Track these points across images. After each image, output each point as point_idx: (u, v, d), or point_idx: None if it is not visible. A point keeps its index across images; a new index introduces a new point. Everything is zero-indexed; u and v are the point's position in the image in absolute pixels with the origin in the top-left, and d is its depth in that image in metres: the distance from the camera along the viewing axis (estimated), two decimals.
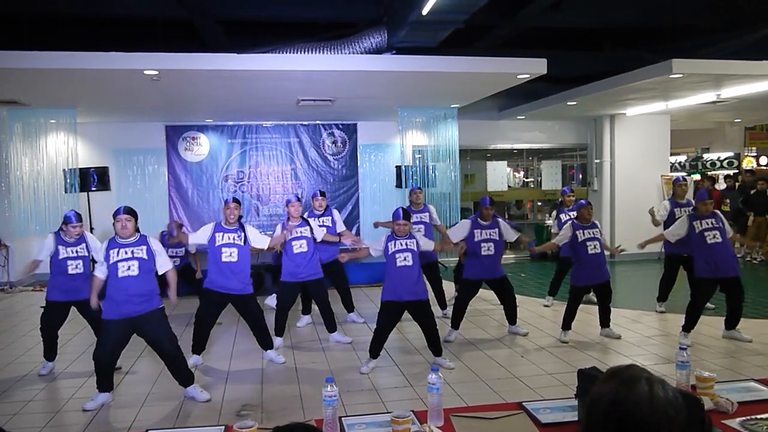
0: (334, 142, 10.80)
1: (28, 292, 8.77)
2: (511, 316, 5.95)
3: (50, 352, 5.07)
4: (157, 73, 6.12)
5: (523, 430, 2.14)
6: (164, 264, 4.40)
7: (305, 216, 6.03)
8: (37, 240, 9.41)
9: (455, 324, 5.84)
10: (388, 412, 2.19)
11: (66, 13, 7.91)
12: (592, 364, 4.23)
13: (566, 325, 5.76)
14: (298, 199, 5.86)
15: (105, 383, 4.33)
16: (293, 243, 5.63)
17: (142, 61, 5.88)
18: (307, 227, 5.74)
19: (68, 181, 8.50)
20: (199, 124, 10.36)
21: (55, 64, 5.82)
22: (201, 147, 10.44)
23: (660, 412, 1.16)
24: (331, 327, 5.86)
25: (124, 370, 5.11)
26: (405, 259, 4.82)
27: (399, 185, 9.68)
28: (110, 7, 7.80)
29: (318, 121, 10.62)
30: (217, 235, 5.04)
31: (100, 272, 4.30)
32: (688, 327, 5.55)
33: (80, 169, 8.59)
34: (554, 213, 7.63)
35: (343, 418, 2.24)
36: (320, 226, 6.12)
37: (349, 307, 6.65)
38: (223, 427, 2.24)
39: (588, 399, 1.27)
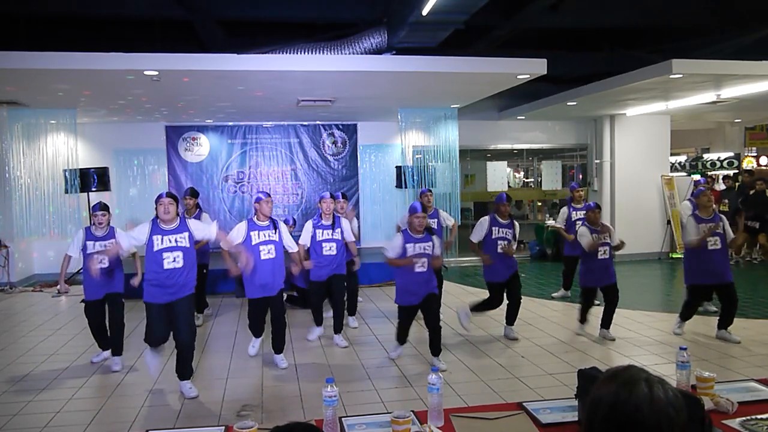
0: (334, 143, 10.81)
1: (28, 292, 8.77)
2: (511, 315, 5.92)
3: (103, 343, 5.26)
4: (157, 73, 6.13)
5: (523, 430, 2.14)
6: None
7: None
8: (37, 241, 9.45)
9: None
10: (388, 412, 2.19)
11: (65, 14, 7.92)
12: (592, 364, 4.23)
13: (583, 320, 5.88)
14: (332, 196, 5.80)
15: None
16: (323, 244, 5.62)
17: (142, 62, 5.89)
18: (339, 229, 5.71)
19: (68, 181, 8.50)
20: (199, 125, 10.38)
21: (55, 64, 5.83)
22: (201, 147, 10.45)
23: (661, 413, 1.16)
24: (338, 328, 5.84)
25: (125, 370, 5.11)
26: (422, 265, 4.85)
27: (399, 185, 9.68)
28: (109, 7, 7.81)
29: (318, 122, 10.63)
30: (252, 233, 4.93)
31: (126, 243, 4.48)
32: (684, 317, 5.77)
33: (80, 169, 8.59)
34: (564, 210, 7.59)
35: (343, 418, 2.24)
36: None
37: (352, 310, 6.60)
38: (223, 427, 2.23)
39: (588, 401, 1.27)
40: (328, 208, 5.63)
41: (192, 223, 4.51)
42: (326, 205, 5.64)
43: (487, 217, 5.82)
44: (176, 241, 4.31)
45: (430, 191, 6.90)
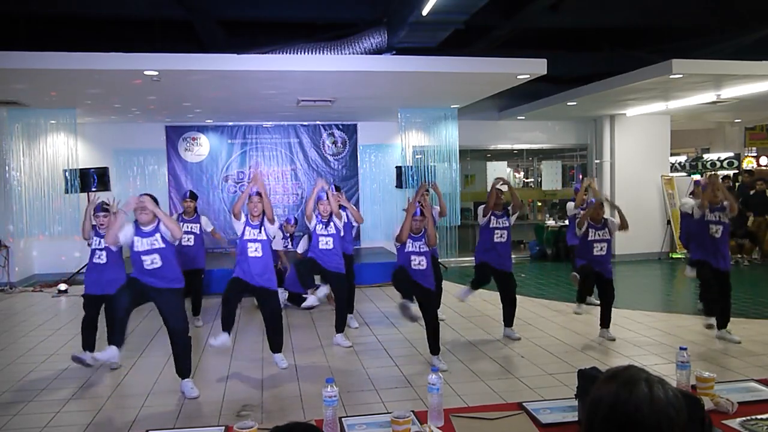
0: (335, 143, 10.81)
1: (28, 292, 8.77)
2: (509, 317, 5.92)
3: (88, 343, 5.16)
4: (157, 73, 6.13)
5: (523, 430, 2.14)
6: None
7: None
8: (37, 241, 9.46)
9: (475, 286, 6.07)
10: (388, 412, 2.19)
11: (65, 14, 7.92)
12: (592, 364, 4.22)
13: (581, 298, 5.87)
14: (328, 198, 5.82)
15: (117, 336, 4.37)
16: (320, 239, 5.68)
17: (142, 62, 5.89)
18: (333, 224, 5.76)
19: (68, 181, 8.50)
20: (199, 125, 10.37)
21: (55, 64, 5.83)
22: (201, 147, 10.45)
23: (661, 413, 1.16)
24: (340, 327, 5.84)
25: (125, 370, 5.11)
26: (420, 263, 4.97)
27: (399, 186, 9.68)
28: (109, 7, 7.81)
29: (318, 122, 10.63)
30: (246, 229, 5.08)
31: (124, 235, 4.42)
32: (709, 312, 5.69)
33: (80, 169, 8.59)
34: (570, 204, 7.51)
35: (343, 419, 2.24)
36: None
37: (349, 307, 6.60)
38: (223, 427, 2.23)
39: (588, 401, 1.27)
40: (325, 210, 5.70)
41: (163, 226, 4.47)
42: (323, 207, 5.70)
43: (484, 206, 5.97)
44: (151, 243, 4.39)
45: (427, 191, 6.89)
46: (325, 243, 5.69)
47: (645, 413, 1.16)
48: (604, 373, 1.30)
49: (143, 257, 4.37)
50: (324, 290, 5.76)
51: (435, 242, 5.27)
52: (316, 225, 5.76)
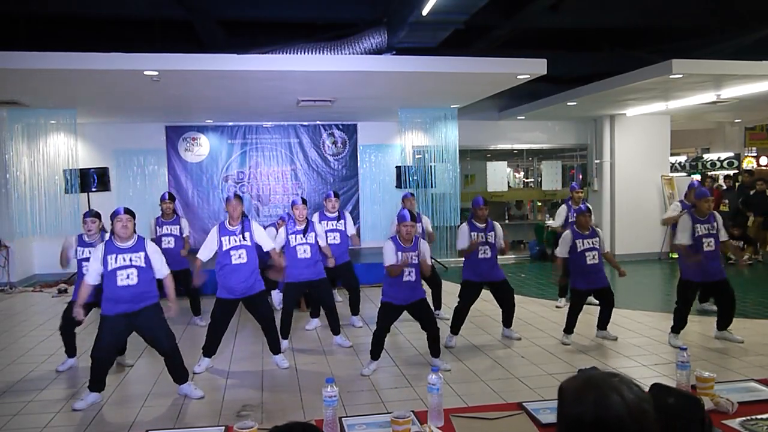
0: (335, 143, 10.81)
1: (28, 292, 8.77)
2: (508, 319, 5.89)
3: (71, 349, 5.17)
4: (157, 73, 6.13)
5: (523, 430, 2.14)
6: (161, 269, 4.38)
7: (313, 217, 5.99)
8: (37, 241, 9.46)
9: (455, 329, 5.71)
10: (388, 413, 2.19)
11: (65, 14, 7.93)
12: (592, 364, 4.23)
13: (569, 328, 5.70)
14: (304, 201, 5.75)
15: (97, 383, 4.32)
16: (297, 248, 5.55)
17: (142, 62, 5.89)
18: (313, 233, 5.65)
19: (68, 181, 8.50)
20: (199, 125, 10.38)
21: (55, 64, 5.83)
22: (201, 147, 10.46)
23: (638, 414, 1.19)
24: (336, 330, 5.84)
25: (125, 370, 5.11)
26: (410, 274, 4.79)
27: (399, 186, 9.69)
28: (109, 7, 7.82)
29: (318, 122, 10.63)
30: (223, 239, 4.95)
31: (91, 278, 4.24)
32: (677, 328, 5.55)
33: (80, 169, 8.59)
34: (563, 208, 7.49)
35: (343, 419, 2.24)
36: (331, 230, 6.32)
37: (355, 309, 6.61)
38: (223, 427, 2.24)
39: (565, 421, 1.27)
40: (300, 215, 5.61)
41: (150, 247, 4.37)
42: (298, 212, 5.61)
43: (465, 224, 5.73)
44: (131, 260, 4.21)
45: (413, 195, 6.85)
46: (303, 252, 5.55)
47: (626, 421, 1.19)
48: (568, 390, 1.29)
49: (118, 272, 4.16)
50: (284, 345, 5.57)
51: (428, 272, 5.10)
52: (289, 236, 5.58)
